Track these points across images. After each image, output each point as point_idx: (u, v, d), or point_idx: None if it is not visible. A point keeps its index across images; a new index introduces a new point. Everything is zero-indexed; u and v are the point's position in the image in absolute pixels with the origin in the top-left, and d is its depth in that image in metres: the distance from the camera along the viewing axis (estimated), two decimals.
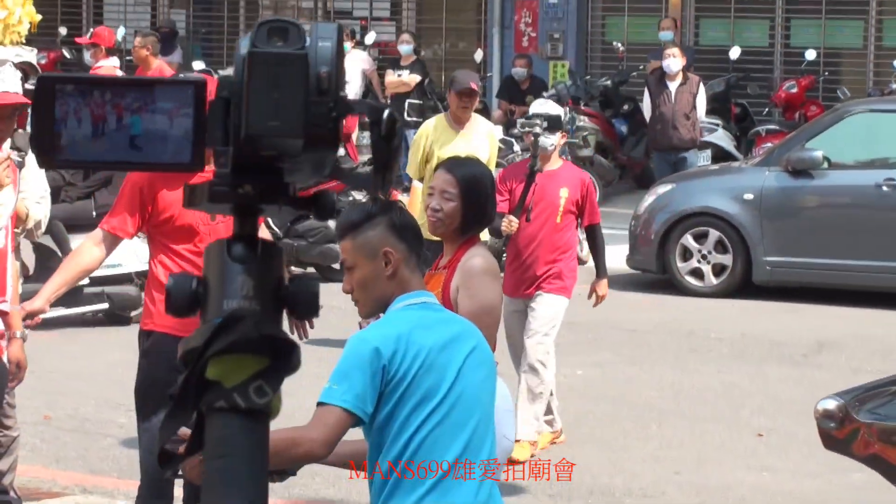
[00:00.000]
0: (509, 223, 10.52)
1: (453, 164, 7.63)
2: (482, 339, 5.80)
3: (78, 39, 23.30)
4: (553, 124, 10.98)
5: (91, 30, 23.26)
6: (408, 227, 5.72)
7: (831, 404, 4.48)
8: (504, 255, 11.10)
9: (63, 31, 27.44)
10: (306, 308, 1.85)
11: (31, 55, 9.23)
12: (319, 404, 5.37)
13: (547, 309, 10.91)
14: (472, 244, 7.25)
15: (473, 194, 7.22)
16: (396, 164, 1.97)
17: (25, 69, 10.97)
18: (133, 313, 14.02)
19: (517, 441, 9.50)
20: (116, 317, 14.76)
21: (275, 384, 1.76)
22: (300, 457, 5.45)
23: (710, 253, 17.45)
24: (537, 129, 10.65)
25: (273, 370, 1.76)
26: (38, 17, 9.39)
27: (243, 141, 1.77)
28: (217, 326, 1.75)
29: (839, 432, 4.46)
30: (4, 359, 7.72)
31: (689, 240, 17.53)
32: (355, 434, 5.64)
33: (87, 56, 21.54)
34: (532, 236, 10.87)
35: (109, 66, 19.41)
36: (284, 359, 1.76)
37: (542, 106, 11.07)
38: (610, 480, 10.50)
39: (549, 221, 10.90)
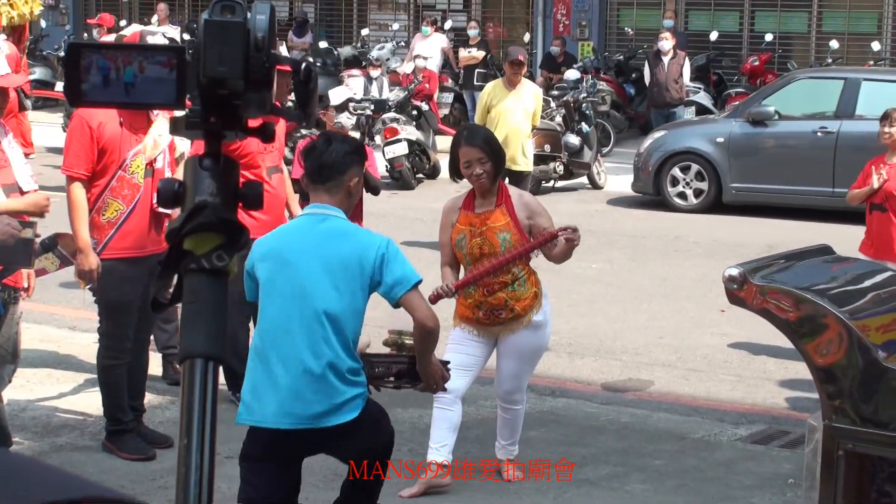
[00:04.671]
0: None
1: (471, 137, 7.11)
2: (352, 243, 5.47)
3: (89, 20, 22.67)
4: (378, 108, 10.53)
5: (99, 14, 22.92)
6: (305, 164, 5.65)
7: (734, 271, 4.54)
8: None
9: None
10: (253, 203, 1.91)
11: (174, 32, 9.17)
12: None
13: None
14: (503, 185, 7.18)
15: (495, 151, 7.08)
16: (314, 101, 1.99)
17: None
18: None
19: None
20: None
21: (230, 253, 1.83)
22: None
23: (691, 180, 17.39)
24: (368, 112, 10.18)
25: (228, 244, 1.83)
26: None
27: (204, 84, 1.83)
28: (189, 213, 1.83)
29: (739, 292, 4.51)
30: None
31: (676, 171, 17.46)
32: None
33: (94, 33, 21.28)
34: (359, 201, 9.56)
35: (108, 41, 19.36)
36: (236, 236, 1.83)
37: (342, 93, 9.96)
38: (612, 343, 10.55)
39: None
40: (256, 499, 5.42)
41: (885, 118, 9.85)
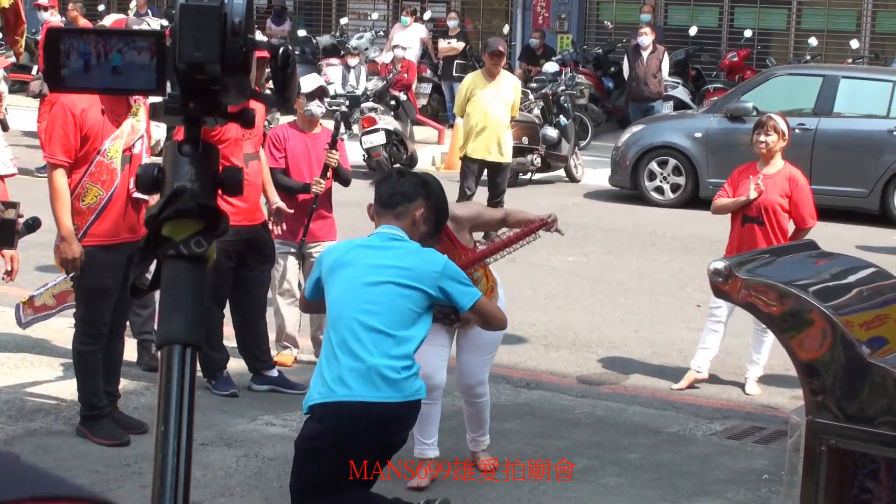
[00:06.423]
0: (318, 183, 8.92)
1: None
2: (405, 265, 5.81)
3: (37, 3, 22.30)
4: (353, 103, 10.38)
5: None
6: (377, 191, 6.04)
7: (720, 264, 4.53)
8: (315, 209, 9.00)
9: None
10: (232, 189, 1.90)
11: (156, 23, 9.14)
12: None
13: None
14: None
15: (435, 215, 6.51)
16: (293, 86, 1.98)
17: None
18: None
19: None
20: None
21: (209, 239, 1.81)
22: None
23: (669, 175, 17.43)
24: (343, 108, 10.00)
25: (207, 230, 1.81)
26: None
27: (181, 69, 1.81)
28: (167, 198, 1.81)
29: (724, 285, 4.51)
30: None
31: (654, 165, 17.49)
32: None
33: (43, 14, 21.00)
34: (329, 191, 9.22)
35: (56, 21, 19.12)
36: (215, 222, 1.82)
37: (314, 81, 9.69)
38: (588, 336, 10.54)
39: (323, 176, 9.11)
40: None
41: (759, 126, 9.23)
